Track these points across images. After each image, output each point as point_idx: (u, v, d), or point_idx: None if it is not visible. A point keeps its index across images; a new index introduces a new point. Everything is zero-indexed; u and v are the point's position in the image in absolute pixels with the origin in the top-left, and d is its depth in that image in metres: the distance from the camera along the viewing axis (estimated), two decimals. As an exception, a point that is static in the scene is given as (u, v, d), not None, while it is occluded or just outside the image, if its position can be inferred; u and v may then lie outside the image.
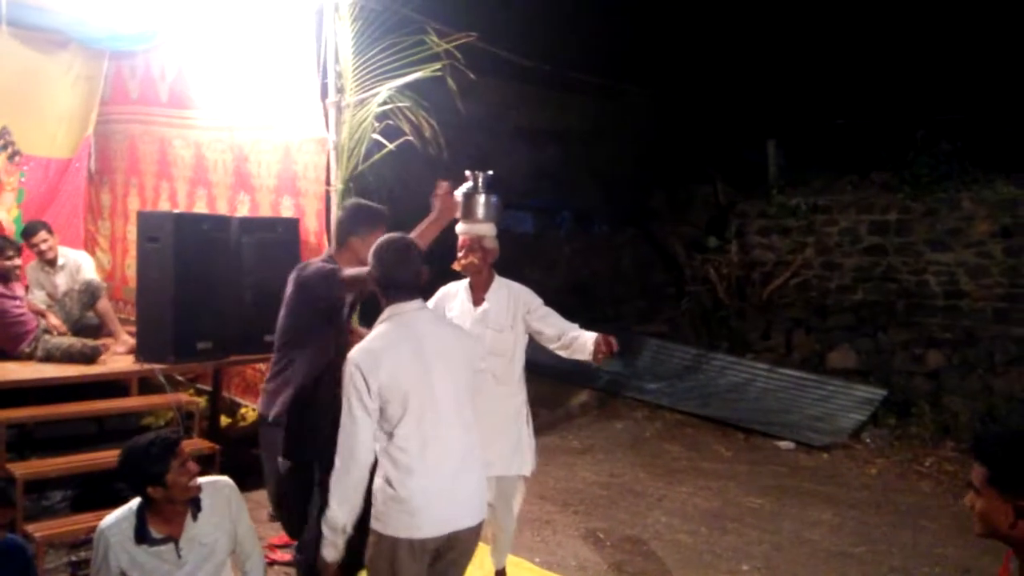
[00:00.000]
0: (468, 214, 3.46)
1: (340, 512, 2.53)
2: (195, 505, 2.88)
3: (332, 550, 2.57)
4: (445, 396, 2.63)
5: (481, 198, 3.44)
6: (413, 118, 5.29)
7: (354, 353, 2.57)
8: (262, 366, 5.92)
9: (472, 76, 5.48)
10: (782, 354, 8.64)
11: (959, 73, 9.18)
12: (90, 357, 4.85)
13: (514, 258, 11.84)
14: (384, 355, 2.54)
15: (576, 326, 3.53)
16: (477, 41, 8.03)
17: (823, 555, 4.59)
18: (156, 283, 4.84)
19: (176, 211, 5.63)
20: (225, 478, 3.11)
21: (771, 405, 7.73)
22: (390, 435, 2.56)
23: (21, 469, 3.91)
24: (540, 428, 7.22)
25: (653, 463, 6.26)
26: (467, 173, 3.51)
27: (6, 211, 6.63)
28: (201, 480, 2.98)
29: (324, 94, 5.56)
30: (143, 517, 2.82)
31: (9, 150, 6.84)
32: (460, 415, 2.69)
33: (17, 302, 4.84)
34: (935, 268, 8.37)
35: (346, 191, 5.53)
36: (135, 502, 2.85)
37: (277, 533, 4.42)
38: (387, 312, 2.64)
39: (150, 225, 4.91)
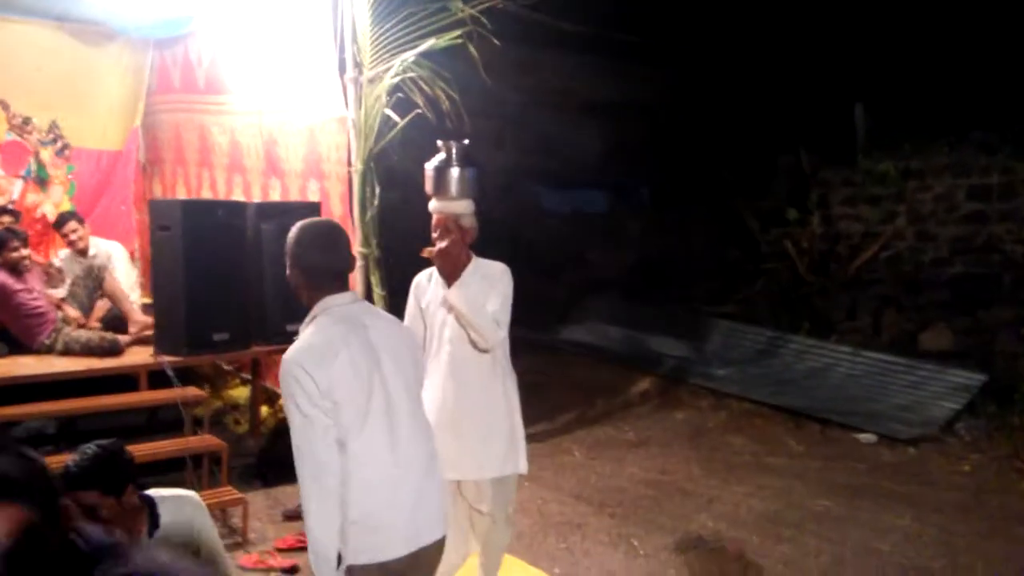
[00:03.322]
0: (441, 190, 3.06)
1: (329, 536, 2.14)
2: (152, 522, 2.65)
3: None
4: (399, 396, 2.30)
5: (455, 172, 3.04)
6: (429, 90, 4.93)
7: (293, 353, 2.19)
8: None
9: (497, 42, 5.06)
10: (869, 335, 7.90)
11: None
12: (109, 350, 4.75)
13: (581, 239, 11.39)
14: (331, 351, 2.18)
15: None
16: (523, 9, 7.56)
17: (892, 569, 4.00)
18: (168, 273, 4.70)
19: (185, 198, 5.48)
20: (190, 494, 2.85)
21: (853, 393, 7.02)
22: (343, 447, 2.20)
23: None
24: (595, 418, 6.84)
25: (711, 458, 5.73)
26: (439, 143, 3.12)
27: (53, 205, 6.68)
28: (164, 493, 2.76)
29: (343, 70, 5.29)
30: None
31: (58, 144, 6.90)
32: (415, 416, 2.37)
33: (34, 294, 4.78)
34: (1045, 236, 7.43)
35: (367, 171, 5.26)
36: None
37: (283, 535, 4.19)
38: (317, 308, 2.28)
39: (161, 213, 4.77)
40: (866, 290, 8.34)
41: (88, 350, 4.74)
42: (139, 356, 4.78)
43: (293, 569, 3.83)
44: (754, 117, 10.23)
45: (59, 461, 4.11)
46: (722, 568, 3.98)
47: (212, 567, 2.71)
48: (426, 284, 3.20)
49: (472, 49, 5.01)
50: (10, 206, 6.15)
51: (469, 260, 3.13)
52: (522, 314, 9.83)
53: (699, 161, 10.75)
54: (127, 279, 5.78)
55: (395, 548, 2.24)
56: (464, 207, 3.08)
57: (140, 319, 5.02)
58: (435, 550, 2.36)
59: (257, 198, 5.93)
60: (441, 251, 3.02)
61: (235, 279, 4.84)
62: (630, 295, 9.50)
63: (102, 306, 5.17)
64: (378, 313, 2.43)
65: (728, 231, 9.96)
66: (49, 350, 4.77)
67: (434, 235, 3.10)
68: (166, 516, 2.63)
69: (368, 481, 2.21)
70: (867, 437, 6.14)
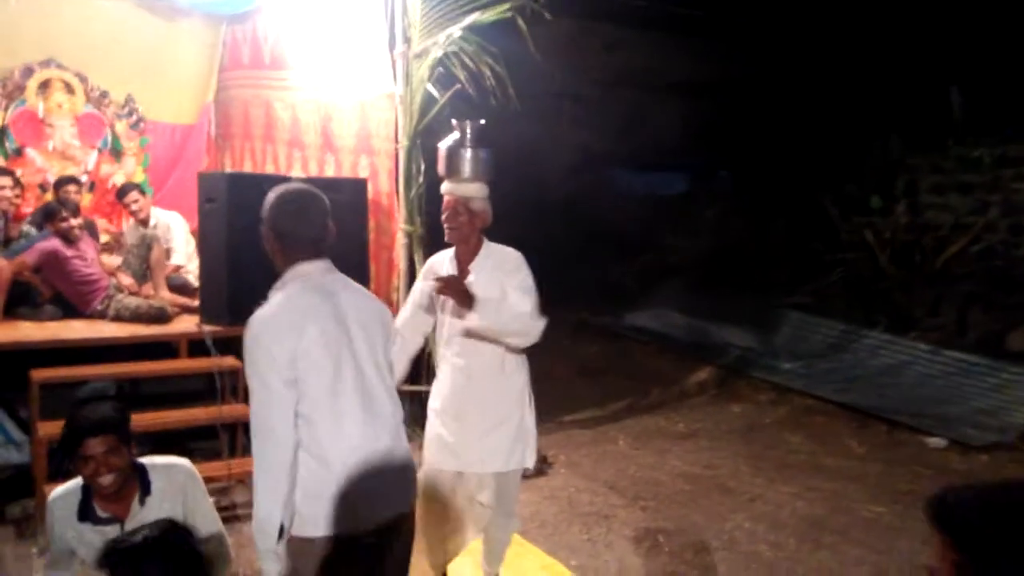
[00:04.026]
0: (453, 171, 2.95)
1: (274, 509, 2.14)
2: (144, 488, 2.67)
3: (275, 561, 2.18)
4: (370, 370, 2.27)
5: (468, 153, 2.92)
6: (474, 66, 4.83)
7: (261, 319, 2.16)
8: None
9: (548, 16, 4.90)
10: (951, 334, 7.39)
11: None
12: (156, 317, 4.89)
13: (656, 223, 11.08)
14: (301, 321, 2.15)
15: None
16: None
17: (938, 586, 3.71)
18: (213, 244, 4.78)
19: (231, 171, 5.56)
20: (183, 462, 2.86)
21: (928, 394, 6.59)
22: (310, 420, 2.16)
23: (47, 429, 3.95)
24: (647, 408, 6.64)
25: (762, 455, 5.47)
26: (453, 122, 3.02)
27: (126, 176, 6.90)
28: (156, 461, 2.76)
29: (393, 45, 5.25)
30: (88, 492, 2.65)
31: (133, 117, 7.13)
32: (388, 391, 2.34)
33: (87, 261, 4.95)
34: None
35: (412, 148, 5.22)
36: None
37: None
38: (289, 274, 2.24)
39: (208, 186, 4.84)
40: (952, 285, 7.81)
41: (136, 316, 4.88)
42: (184, 324, 4.90)
43: (311, 542, 3.84)
44: (840, 99, 9.69)
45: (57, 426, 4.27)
46: (749, 571, 3.78)
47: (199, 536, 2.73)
48: (438, 270, 3.06)
49: (521, 23, 4.88)
50: (83, 176, 6.41)
51: (480, 245, 3.02)
52: (587, 297, 9.62)
53: (781, 145, 10.27)
54: (184, 249, 5.93)
55: (367, 520, 2.22)
56: (476, 190, 2.96)
57: (164, 296, 5.14)
58: (406, 523, 2.36)
59: (314, 173, 5.98)
60: (448, 283, 2.87)
61: (278, 252, 4.88)
62: (701, 281, 9.20)
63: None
64: (351, 284, 2.35)
65: (807, 218, 9.50)
66: (102, 316, 4.94)
67: (443, 218, 3.01)
68: (157, 483, 2.63)
69: (342, 456, 2.19)
70: (936, 442, 5.75)
